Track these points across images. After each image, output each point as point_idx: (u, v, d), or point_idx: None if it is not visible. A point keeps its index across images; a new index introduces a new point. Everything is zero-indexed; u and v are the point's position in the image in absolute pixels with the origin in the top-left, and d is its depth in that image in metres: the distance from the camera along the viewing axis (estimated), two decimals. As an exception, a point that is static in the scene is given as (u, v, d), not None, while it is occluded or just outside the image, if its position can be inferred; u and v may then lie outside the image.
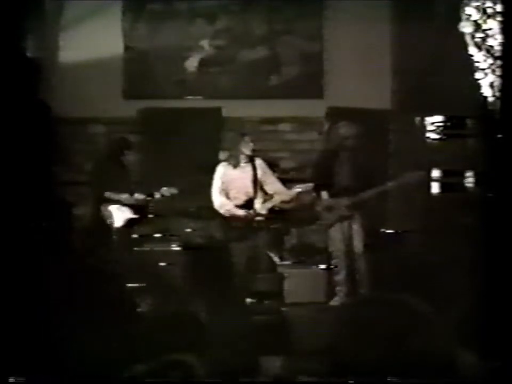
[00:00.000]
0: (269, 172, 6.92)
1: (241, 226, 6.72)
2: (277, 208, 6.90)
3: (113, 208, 7.00)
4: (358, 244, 6.60)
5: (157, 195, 7.03)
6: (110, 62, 8.09)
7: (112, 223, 6.98)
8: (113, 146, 7.36)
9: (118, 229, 6.99)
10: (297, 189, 6.74)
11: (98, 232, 7.01)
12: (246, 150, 6.79)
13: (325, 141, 7.61)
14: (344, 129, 6.74)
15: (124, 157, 7.12)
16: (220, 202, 6.78)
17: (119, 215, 7.01)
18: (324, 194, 6.71)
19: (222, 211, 6.78)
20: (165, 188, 7.01)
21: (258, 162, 6.87)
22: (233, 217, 6.75)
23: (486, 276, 3.73)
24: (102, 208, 7.00)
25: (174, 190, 7.03)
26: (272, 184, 6.85)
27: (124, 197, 7.02)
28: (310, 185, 6.75)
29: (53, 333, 3.00)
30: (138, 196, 7.08)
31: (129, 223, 7.05)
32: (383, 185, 6.54)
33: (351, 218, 6.60)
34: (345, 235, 6.62)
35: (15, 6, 3.54)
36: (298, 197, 6.86)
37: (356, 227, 6.62)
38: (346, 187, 6.61)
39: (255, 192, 6.81)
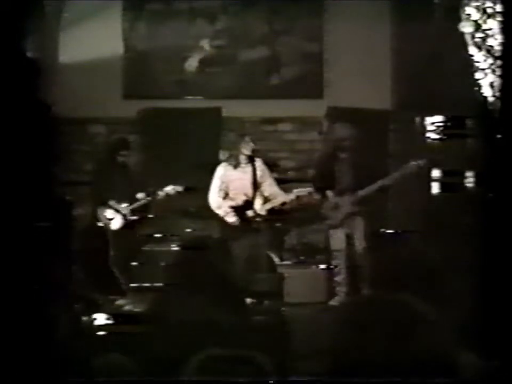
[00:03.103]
0: (267, 173, 6.92)
1: (240, 226, 6.73)
2: (276, 209, 6.91)
3: (110, 211, 7.00)
4: (359, 244, 6.61)
5: (161, 193, 7.01)
6: (110, 62, 8.09)
7: (108, 225, 6.98)
8: (109, 146, 7.38)
9: (115, 230, 7.00)
10: (295, 193, 6.75)
11: (96, 232, 7.01)
12: (246, 150, 6.79)
13: (324, 142, 7.62)
14: (341, 130, 6.76)
15: (121, 157, 7.11)
16: (216, 203, 6.80)
17: (116, 217, 7.01)
18: (330, 194, 6.72)
19: (219, 212, 6.80)
20: (169, 187, 6.98)
21: (259, 163, 6.87)
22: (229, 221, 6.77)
23: (486, 275, 3.72)
24: (99, 210, 7.00)
25: (179, 188, 7.01)
26: (269, 186, 6.87)
27: (122, 206, 7.01)
28: (309, 189, 6.77)
29: (53, 332, 3.00)
30: (140, 196, 7.08)
31: (126, 226, 7.04)
32: (384, 179, 6.56)
33: (357, 216, 6.62)
34: (347, 235, 6.64)
35: (15, 6, 3.54)
36: (299, 199, 6.87)
37: (358, 226, 6.63)
38: (349, 186, 6.63)
39: (255, 193, 6.82)
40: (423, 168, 6.41)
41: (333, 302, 6.56)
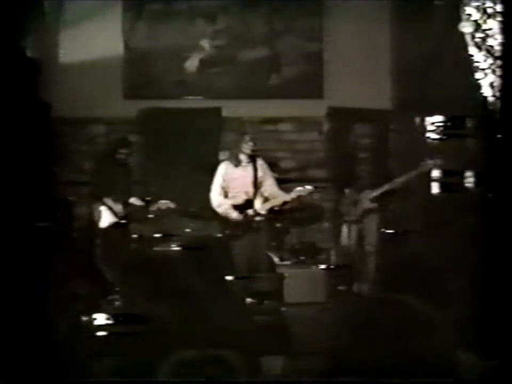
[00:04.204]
0: (268, 173, 6.93)
1: (240, 225, 6.74)
2: (276, 208, 6.91)
3: (103, 209, 7.01)
4: (369, 242, 6.66)
5: (154, 206, 7.04)
6: (110, 62, 8.09)
7: (99, 223, 6.99)
8: (109, 145, 7.39)
9: (110, 229, 7.00)
10: (296, 192, 6.76)
11: (93, 231, 7.02)
12: (246, 149, 6.80)
13: (339, 141, 7.63)
14: (360, 129, 6.82)
15: (121, 155, 7.12)
16: (218, 201, 6.81)
17: (107, 216, 7.02)
18: (347, 192, 6.78)
19: (219, 210, 6.80)
20: (163, 201, 7.02)
21: (260, 162, 6.88)
22: (230, 218, 6.78)
23: (486, 275, 3.73)
24: (94, 207, 7.02)
25: (171, 204, 7.04)
26: (270, 186, 6.88)
27: (116, 206, 7.01)
28: (310, 188, 6.79)
29: (52, 332, 3.00)
30: (134, 201, 7.09)
31: (115, 225, 7.04)
32: (399, 178, 6.60)
33: (371, 215, 6.68)
34: (358, 233, 6.71)
35: (15, 6, 3.54)
36: (300, 198, 6.88)
37: (371, 224, 6.69)
38: (366, 184, 6.69)
39: (255, 192, 6.82)
40: (438, 168, 6.45)
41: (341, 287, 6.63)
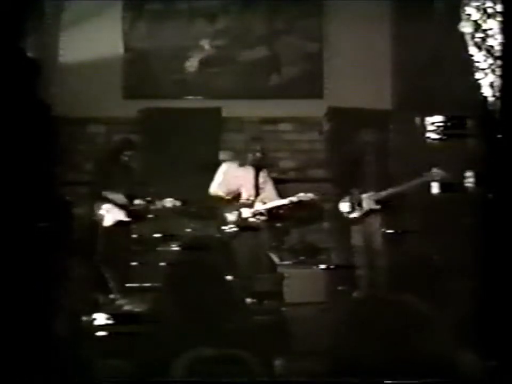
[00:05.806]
0: (269, 182, 6.98)
1: (240, 223, 6.76)
2: (275, 212, 6.93)
3: (105, 208, 7.01)
4: (368, 242, 6.68)
5: (158, 204, 7.04)
6: (110, 62, 8.09)
7: (102, 222, 6.99)
8: (114, 146, 7.39)
9: (111, 228, 7.00)
10: (298, 197, 6.78)
11: (94, 231, 7.02)
12: (253, 155, 6.84)
13: (339, 141, 7.63)
14: (367, 134, 6.84)
15: (125, 157, 7.13)
16: (216, 190, 6.87)
17: (110, 215, 7.01)
18: (347, 192, 6.81)
19: (219, 194, 6.86)
20: (169, 199, 7.02)
21: (263, 174, 6.93)
22: (232, 200, 6.80)
23: (486, 276, 3.73)
24: (96, 206, 7.02)
25: (177, 203, 7.04)
26: (269, 192, 6.91)
27: (118, 197, 7.01)
28: (310, 195, 6.80)
29: (52, 334, 3.00)
30: (138, 202, 7.10)
31: (119, 224, 7.04)
32: (404, 184, 6.61)
33: (375, 216, 6.70)
34: (358, 233, 6.73)
35: (15, 6, 3.54)
36: (301, 203, 6.90)
37: (375, 226, 6.71)
38: (366, 183, 6.71)
39: (256, 191, 6.84)
40: (443, 178, 6.45)
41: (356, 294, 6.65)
